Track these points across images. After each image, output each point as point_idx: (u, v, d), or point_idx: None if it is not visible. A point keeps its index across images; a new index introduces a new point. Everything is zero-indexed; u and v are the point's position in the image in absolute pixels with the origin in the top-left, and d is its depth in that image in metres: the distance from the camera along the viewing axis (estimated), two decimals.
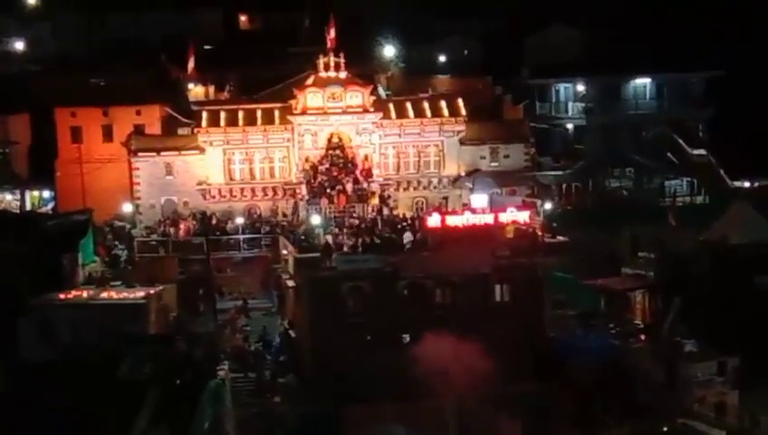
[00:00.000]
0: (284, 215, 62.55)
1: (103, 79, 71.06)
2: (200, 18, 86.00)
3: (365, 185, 62.33)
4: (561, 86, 74.15)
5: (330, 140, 63.61)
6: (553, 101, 74.39)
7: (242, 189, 64.12)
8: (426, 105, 65.94)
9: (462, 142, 65.67)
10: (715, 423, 46.46)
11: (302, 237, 55.79)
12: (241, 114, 64.63)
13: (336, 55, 64.55)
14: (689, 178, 69.44)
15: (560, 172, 68.65)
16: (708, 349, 49.49)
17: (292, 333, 52.31)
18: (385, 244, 54.27)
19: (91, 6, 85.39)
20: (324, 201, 60.92)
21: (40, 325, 48.34)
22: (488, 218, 54.04)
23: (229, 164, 64.26)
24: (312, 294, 50.73)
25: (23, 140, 69.41)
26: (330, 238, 54.31)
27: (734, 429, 46.12)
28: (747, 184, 69.89)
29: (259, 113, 64.62)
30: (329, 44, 65.32)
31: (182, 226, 60.40)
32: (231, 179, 64.29)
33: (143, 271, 55.86)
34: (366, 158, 63.74)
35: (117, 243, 59.17)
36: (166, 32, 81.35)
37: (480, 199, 58.12)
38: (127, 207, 62.08)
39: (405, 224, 57.79)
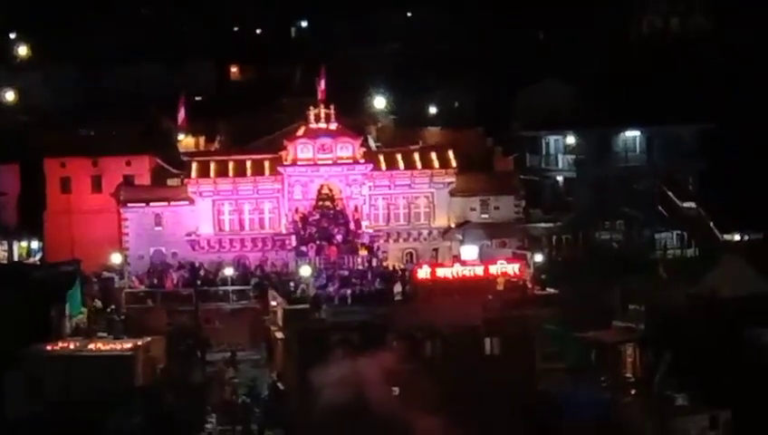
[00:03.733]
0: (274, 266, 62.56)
1: (93, 129, 71.22)
2: (191, 69, 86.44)
3: (355, 236, 62.30)
4: (552, 138, 74.34)
5: (320, 191, 63.76)
6: (544, 153, 74.56)
7: (231, 240, 64.08)
8: (416, 157, 66.20)
9: (452, 194, 65.83)
10: None
11: (292, 289, 55.71)
12: (231, 165, 64.78)
13: (326, 107, 64.92)
14: (679, 231, 69.48)
15: (550, 224, 68.69)
16: (700, 403, 49.33)
17: (280, 385, 52.10)
18: (375, 295, 54.21)
19: (82, 58, 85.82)
20: (314, 252, 60.84)
21: (26, 378, 48.20)
22: (478, 270, 54.19)
23: (219, 215, 64.31)
24: (301, 346, 50.57)
25: (11, 190, 69.30)
26: (312, 289, 54.39)
27: None
28: (738, 237, 69.94)
29: (249, 164, 64.78)
30: (319, 96, 65.79)
31: (170, 277, 60.35)
32: (220, 230, 64.29)
33: (131, 322, 55.72)
34: (356, 209, 63.86)
35: (98, 301, 58.85)
36: (156, 83, 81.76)
37: (470, 251, 58.21)
38: (115, 258, 61.93)
39: (395, 275, 57.74)
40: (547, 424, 48.62)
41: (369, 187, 64.83)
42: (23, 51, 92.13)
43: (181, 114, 72.60)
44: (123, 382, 48.54)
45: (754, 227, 68.98)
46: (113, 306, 57.77)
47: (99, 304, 58.13)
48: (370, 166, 64.61)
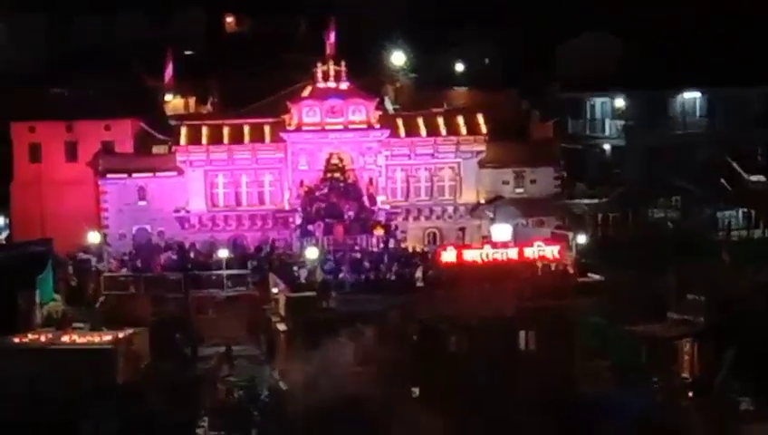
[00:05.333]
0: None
1: (67, 89, 71.32)
2: (180, 19, 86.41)
3: (369, 213, 62.44)
4: (598, 101, 74.37)
5: (328, 161, 63.88)
6: (588, 117, 74.60)
7: (226, 217, 64.42)
8: (440, 121, 66.33)
9: (482, 165, 66.00)
10: None
11: (296, 274, 55.94)
12: (226, 130, 64.98)
13: (336, 63, 65.03)
14: (745, 209, 69.45)
15: (595, 200, 68.77)
16: (767, 407, 49.38)
17: (282, 384, 52.32)
18: (392, 282, 54.42)
19: (53, 7, 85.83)
20: (321, 232, 61.01)
21: None
22: (512, 253, 54.39)
23: (212, 188, 64.62)
24: (307, 340, 50.80)
25: None
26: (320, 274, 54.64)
27: None
28: None
29: (247, 129, 65.01)
30: (328, 51, 65.87)
31: (156, 259, 60.61)
32: (214, 206, 64.62)
33: (111, 311, 55.97)
34: (370, 182, 64.03)
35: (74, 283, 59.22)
36: (140, 35, 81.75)
37: (502, 231, 58.11)
38: (93, 237, 62.19)
39: (415, 259, 57.89)
40: (589, 431, 48.76)
41: (386, 156, 65.06)
42: None
43: (168, 71, 72.80)
44: (101, 380, 48.64)
45: None
46: (102, 298, 58.01)
47: (74, 283, 58.47)
48: (387, 132, 64.75)
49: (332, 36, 66.20)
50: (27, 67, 76.96)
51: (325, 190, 63.06)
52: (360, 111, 64.69)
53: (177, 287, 57.72)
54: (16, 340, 50.78)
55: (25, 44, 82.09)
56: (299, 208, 62.92)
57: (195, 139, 64.55)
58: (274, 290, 56.47)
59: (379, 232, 61.61)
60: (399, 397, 49.22)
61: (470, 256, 54.23)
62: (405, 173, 65.87)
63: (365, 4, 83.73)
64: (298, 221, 62.53)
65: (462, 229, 65.29)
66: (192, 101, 77.38)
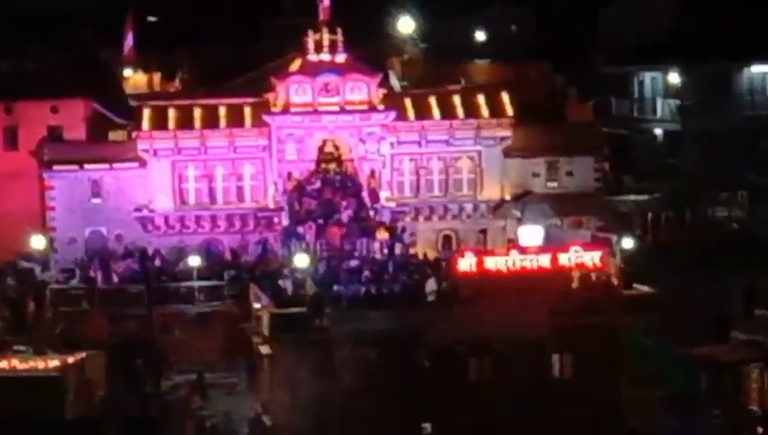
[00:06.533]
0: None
1: (6, 63, 71.44)
2: None
3: (370, 212, 62.49)
4: (648, 76, 74.44)
5: (321, 150, 63.98)
6: (636, 96, 74.63)
7: (198, 218, 64.52)
8: (457, 101, 66.39)
9: (507, 154, 65.99)
10: None
11: (283, 285, 55.99)
12: (198, 112, 65.07)
13: (332, 31, 64.98)
14: None
15: (644, 196, 68.82)
16: None
17: (266, 419, 52.45)
18: (398, 296, 54.43)
19: None
20: (313, 234, 61.03)
21: None
22: (543, 261, 54.28)
23: (180, 182, 64.73)
24: (296, 366, 50.87)
25: None
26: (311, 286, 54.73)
27: None
28: None
29: (223, 111, 65.11)
30: (321, 15, 65.78)
31: (113, 268, 60.74)
32: (183, 204, 64.74)
33: (59, 331, 56.03)
34: (372, 174, 64.11)
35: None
36: None
37: (532, 234, 58.21)
38: (37, 242, 62.31)
39: (426, 268, 57.95)
40: None
41: (391, 143, 65.13)
42: None
43: (128, 41, 72.80)
44: (47, 414, 48.82)
45: None
46: (48, 315, 58.08)
47: (14, 297, 58.52)
48: (393, 114, 64.82)
49: None
50: None
51: (317, 185, 63.11)
52: (360, 89, 64.73)
53: (139, 302, 57.75)
54: None
55: None
56: (285, 207, 62.95)
57: (160, 123, 64.59)
58: (256, 305, 56.52)
59: (383, 235, 61.48)
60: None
61: (493, 263, 54.09)
62: (414, 164, 65.94)
63: None
64: (285, 222, 62.54)
65: (483, 232, 65.37)
66: (157, 76, 77.35)
